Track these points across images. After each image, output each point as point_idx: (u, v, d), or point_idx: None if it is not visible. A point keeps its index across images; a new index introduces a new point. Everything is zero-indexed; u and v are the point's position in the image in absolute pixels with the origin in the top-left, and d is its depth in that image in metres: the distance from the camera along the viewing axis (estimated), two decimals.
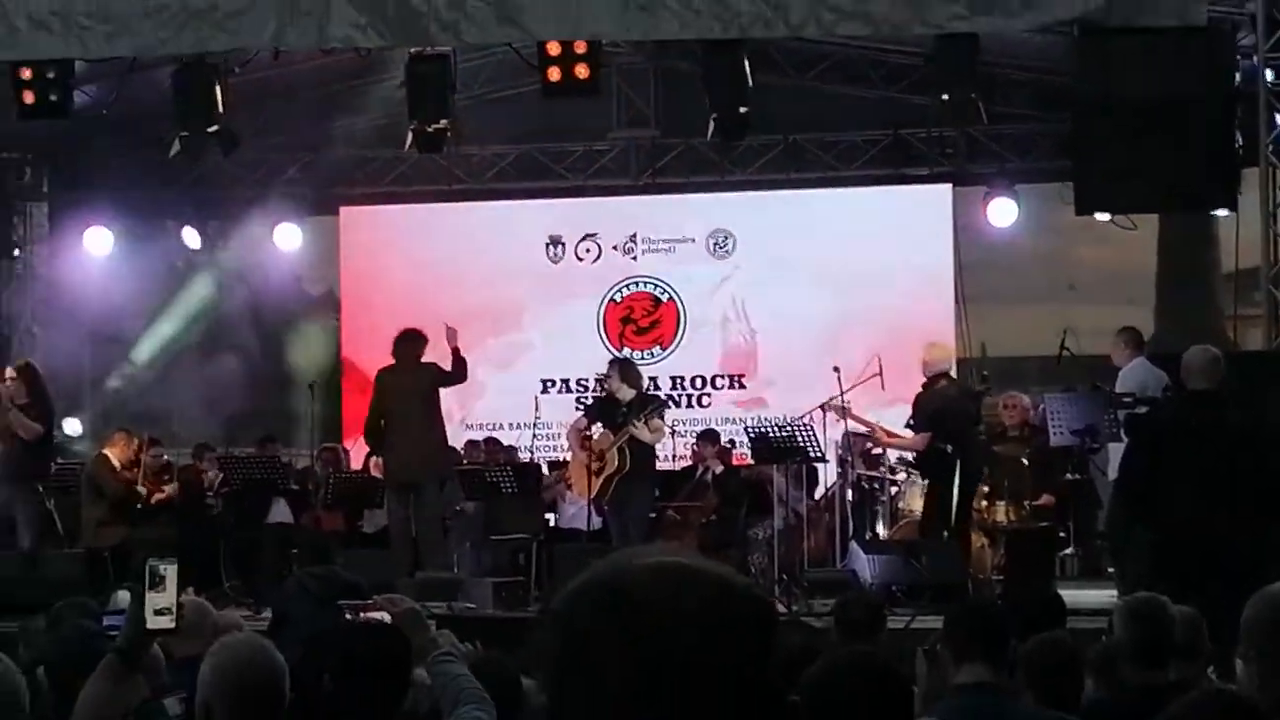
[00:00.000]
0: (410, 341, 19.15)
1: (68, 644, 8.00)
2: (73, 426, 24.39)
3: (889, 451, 19.77)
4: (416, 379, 19.06)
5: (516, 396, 21.90)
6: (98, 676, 6.03)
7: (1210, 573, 11.55)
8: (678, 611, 2.15)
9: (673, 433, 20.83)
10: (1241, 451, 12.85)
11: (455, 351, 18.88)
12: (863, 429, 19.55)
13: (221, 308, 24.94)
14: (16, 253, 25.14)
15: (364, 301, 25.69)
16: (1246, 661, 5.69)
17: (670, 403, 21.29)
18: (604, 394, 19.85)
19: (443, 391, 19.13)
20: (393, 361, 19.24)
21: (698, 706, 2.13)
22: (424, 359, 19.13)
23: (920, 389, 18.58)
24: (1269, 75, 16.61)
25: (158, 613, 5.94)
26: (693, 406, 23.55)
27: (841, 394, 19.32)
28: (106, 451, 20.95)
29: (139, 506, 20.35)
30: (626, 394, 19.22)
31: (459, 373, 19.11)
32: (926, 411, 18.43)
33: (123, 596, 12.00)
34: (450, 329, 18.65)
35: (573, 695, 2.20)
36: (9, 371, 20.15)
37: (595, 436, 19.28)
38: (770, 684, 2.21)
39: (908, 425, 18.80)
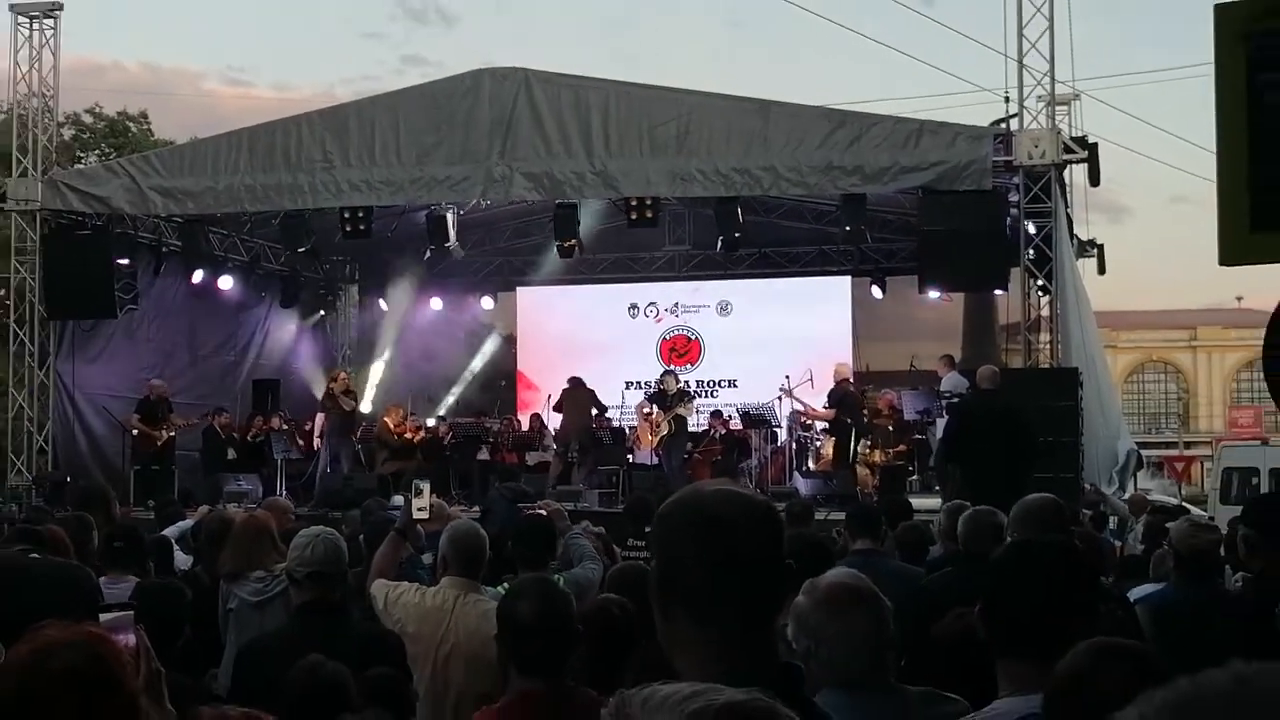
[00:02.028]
0: (577, 379, 20.04)
1: (372, 525, 8.07)
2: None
3: (816, 423, 19.79)
4: (580, 398, 19.76)
5: (611, 391, 21.77)
6: (386, 543, 6.14)
7: (992, 490, 11.57)
8: (730, 514, 2.14)
9: (697, 412, 20.83)
10: (1008, 424, 12.89)
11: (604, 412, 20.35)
12: (800, 407, 19.65)
13: (450, 341, 25.01)
14: (321, 314, 25.27)
15: (529, 339, 25.64)
16: (1011, 538, 5.73)
17: (696, 395, 21.24)
18: (658, 390, 19.98)
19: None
20: (568, 386, 19.96)
21: (742, 568, 2.12)
22: (587, 387, 20.00)
23: (833, 386, 18.81)
24: (1026, 218, 16.58)
25: (419, 510, 6.07)
26: (707, 397, 23.41)
27: (790, 387, 19.44)
28: (385, 418, 21.09)
29: (405, 448, 20.55)
30: (672, 389, 19.48)
31: (603, 410, 20.13)
32: (834, 398, 18.84)
33: (399, 499, 12.01)
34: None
35: (671, 564, 2.18)
36: (340, 373, 20.59)
37: (653, 414, 19.43)
38: (779, 554, 2.20)
39: (826, 405, 19.07)
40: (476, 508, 13.80)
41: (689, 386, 21.79)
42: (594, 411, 19.99)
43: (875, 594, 3.39)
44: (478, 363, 25.51)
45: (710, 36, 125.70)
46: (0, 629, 2.98)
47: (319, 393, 21.80)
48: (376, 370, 25.07)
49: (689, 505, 2.20)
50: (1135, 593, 6.58)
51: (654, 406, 19.76)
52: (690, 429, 20.27)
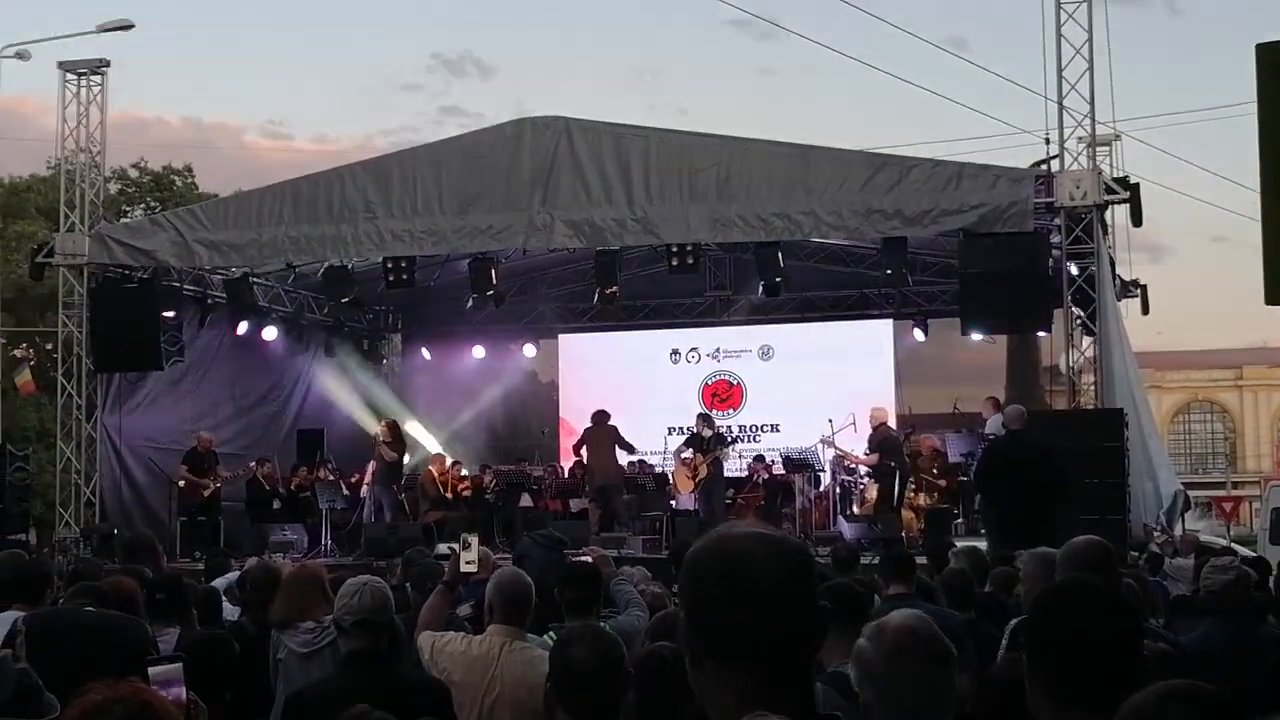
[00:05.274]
0: (602, 414, 20.05)
1: (418, 574, 8.08)
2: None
3: (859, 466, 19.68)
4: (605, 434, 19.78)
5: (653, 436, 21.70)
6: (434, 595, 6.21)
7: (1022, 528, 11.53)
8: (759, 558, 2.13)
9: (739, 456, 20.81)
10: (1037, 462, 12.92)
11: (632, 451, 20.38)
12: (842, 453, 19.55)
13: (493, 389, 25.04)
14: (365, 364, 25.35)
15: (572, 387, 25.57)
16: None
17: (736, 440, 21.14)
18: (694, 434, 19.92)
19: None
20: (592, 424, 19.98)
21: (771, 612, 2.10)
22: (610, 423, 19.97)
23: (871, 432, 18.72)
24: (1068, 260, 16.50)
25: (467, 562, 6.11)
26: (750, 442, 23.27)
27: (832, 434, 19.34)
28: (430, 468, 21.16)
29: (447, 498, 20.58)
30: (707, 434, 19.45)
31: (629, 450, 20.15)
32: (874, 443, 18.73)
33: (441, 548, 12.00)
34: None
35: (699, 609, 2.16)
36: (386, 421, 20.66)
37: (692, 459, 19.39)
38: (809, 594, 2.17)
39: (867, 450, 18.95)
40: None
41: (729, 431, 21.70)
42: (618, 450, 19.91)
43: (940, 639, 3.30)
44: (520, 410, 25.49)
45: (743, 84, 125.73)
46: (57, 681, 3.05)
47: (362, 443, 21.94)
48: (419, 419, 25.14)
49: (714, 549, 2.18)
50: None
51: (691, 450, 19.73)
52: (733, 474, 20.23)
